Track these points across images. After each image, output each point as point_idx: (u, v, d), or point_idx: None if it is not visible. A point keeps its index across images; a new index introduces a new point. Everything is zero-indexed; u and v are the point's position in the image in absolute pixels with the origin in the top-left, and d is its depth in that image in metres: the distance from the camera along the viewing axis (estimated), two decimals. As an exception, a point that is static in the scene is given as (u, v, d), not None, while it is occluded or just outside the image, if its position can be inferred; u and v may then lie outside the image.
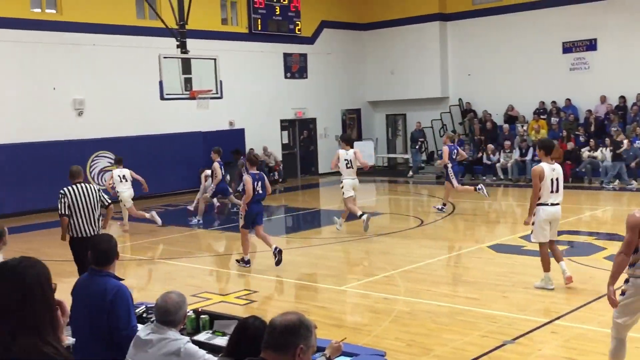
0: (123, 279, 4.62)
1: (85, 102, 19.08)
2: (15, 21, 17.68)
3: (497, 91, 24.11)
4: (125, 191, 15.00)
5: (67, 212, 8.41)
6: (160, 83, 15.20)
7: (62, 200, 8.36)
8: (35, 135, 18.01)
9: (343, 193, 13.61)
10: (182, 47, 15.70)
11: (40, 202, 17.95)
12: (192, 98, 15.80)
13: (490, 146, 21.74)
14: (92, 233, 8.38)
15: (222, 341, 4.73)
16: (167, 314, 4.09)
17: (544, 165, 8.63)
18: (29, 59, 18.03)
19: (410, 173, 23.73)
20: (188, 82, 15.58)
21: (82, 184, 8.50)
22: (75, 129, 18.82)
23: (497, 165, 21.42)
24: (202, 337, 4.95)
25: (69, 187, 8.46)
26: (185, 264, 11.82)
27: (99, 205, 8.51)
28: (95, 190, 8.50)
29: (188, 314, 4.91)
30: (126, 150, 19.54)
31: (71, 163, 17.92)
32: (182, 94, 15.67)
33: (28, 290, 2.70)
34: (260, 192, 10.64)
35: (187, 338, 4.12)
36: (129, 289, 4.58)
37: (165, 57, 15.26)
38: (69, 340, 4.26)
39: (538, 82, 23.18)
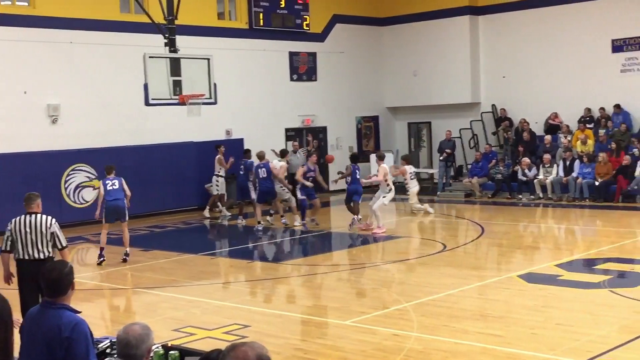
0: (80, 312, 4.69)
1: (61, 108, 19.30)
2: (-19, 16, 17.99)
3: (536, 96, 24.12)
4: None
5: (8, 248, 8.55)
6: (146, 86, 15.44)
7: (6, 233, 8.53)
8: (3, 146, 18.22)
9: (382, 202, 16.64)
10: (171, 45, 15.93)
11: (5, 222, 18.09)
12: (182, 103, 16.02)
13: (526, 160, 21.74)
14: (41, 257, 8.42)
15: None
16: (128, 347, 4.15)
17: None
18: (-4, 59, 18.31)
19: (438, 192, 23.67)
20: (177, 85, 15.81)
21: (35, 216, 8.52)
22: (49, 139, 19.04)
23: (535, 181, 21.40)
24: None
25: (17, 219, 8.55)
26: (170, 293, 11.90)
27: (50, 245, 8.50)
28: (47, 224, 8.47)
29: (156, 349, 4.98)
30: (107, 163, 19.74)
31: (44, 177, 18.52)
32: (171, 99, 15.89)
33: None
34: None
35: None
36: (87, 323, 4.65)
37: (151, 57, 15.51)
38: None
39: (584, 85, 23.17)
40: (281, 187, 18.19)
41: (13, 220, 8.60)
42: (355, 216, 17.48)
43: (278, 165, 18.36)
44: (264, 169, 17.77)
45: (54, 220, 8.53)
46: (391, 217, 20.84)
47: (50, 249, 8.50)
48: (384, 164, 17.06)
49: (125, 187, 14.37)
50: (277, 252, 16.26)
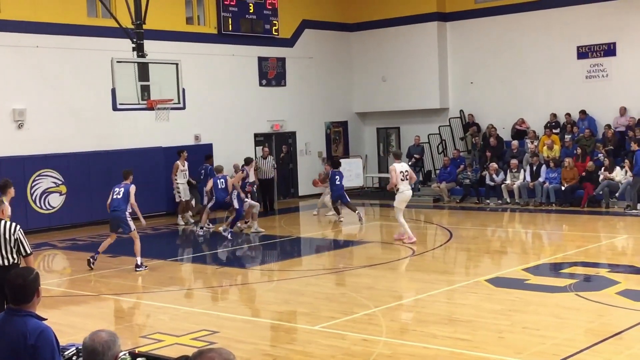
0: (46, 319, 4.65)
1: (27, 113, 19.09)
2: (-55, 19, 17.74)
3: (503, 102, 24.38)
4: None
5: None
6: (113, 91, 15.31)
7: None
8: (-32, 151, 18.00)
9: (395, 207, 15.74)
10: (139, 49, 15.82)
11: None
12: (150, 108, 15.91)
13: (494, 165, 21.95)
14: (5, 264, 8.29)
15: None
16: (95, 354, 4.12)
17: None
18: (-39, 63, 18.07)
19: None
20: (145, 90, 15.70)
21: None
22: (15, 144, 18.82)
23: (502, 186, 21.61)
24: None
25: None
26: (138, 300, 11.82)
27: (14, 251, 8.34)
28: (11, 230, 8.31)
29: (123, 356, 4.95)
30: (74, 168, 19.62)
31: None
32: (139, 104, 15.77)
33: None
34: None
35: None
36: (53, 331, 4.61)
37: (119, 62, 15.39)
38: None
39: (550, 91, 23.48)
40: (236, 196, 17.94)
41: None
42: (356, 212, 18.94)
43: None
44: (222, 180, 17.66)
45: (18, 226, 8.41)
46: (357, 222, 20.91)
47: (14, 256, 8.38)
48: (397, 164, 15.70)
49: (132, 196, 13.86)
50: (247, 257, 16.23)
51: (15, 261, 8.40)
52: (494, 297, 10.76)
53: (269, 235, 17.97)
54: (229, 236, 17.30)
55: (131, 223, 13.94)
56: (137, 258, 13.93)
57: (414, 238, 15.65)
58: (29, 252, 8.46)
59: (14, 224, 8.38)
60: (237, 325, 10.10)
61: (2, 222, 8.40)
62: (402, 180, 15.44)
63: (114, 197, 13.93)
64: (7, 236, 8.30)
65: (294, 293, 11.84)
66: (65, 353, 5.23)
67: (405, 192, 15.64)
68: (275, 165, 22.79)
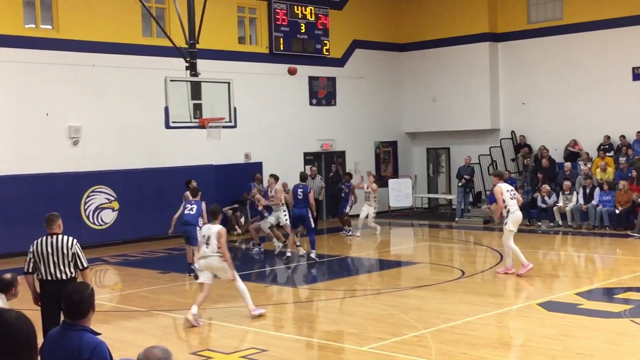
0: (100, 333, 4.71)
1: (82, 130, 19.47)
2: (5, 38, 18.23)
3: (556, 123, 24.08)
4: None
5: (30, 270, 8.60)
6: (166, 109, 15.51)
7: (28, 255, 8.57)
8: (23, 167, 18.41)
9: (506, 230, 14.41)
10: (192, 68, 16.04)
11: (26, 243, 18.20)
12: (202, 126, 16.07)
13: (546, 187, 21.65)
14: (63, 277, 8.45)
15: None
16: (148, 371, 4.15)
17: None
18: (19, 81, 18.54)
19: (456, 218, 23.60)
20: (197, 108, 15.88)
21: (57, 237, 8.55)
22: (70, 160, 19.20)
23: (555, 208, 21.28)
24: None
25: (39, 240, 8.57)
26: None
27: (72, 265, 8.52)
28: (69, 245, 8.49)
29: (175, 374, 4.97)
30: (126, 185, 19.91)
31: (63, 198, 18.65)
32: (191, 122, 15.95)
33: (17, 349, 2.91)
34: None
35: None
36: (107, 345, 4.66)
37: (172, 80, 15.59)
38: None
39: (604, 113, 23.12)
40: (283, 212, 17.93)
41: (35, 241, 8.63)
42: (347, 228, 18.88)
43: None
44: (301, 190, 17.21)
45: (75, 240, 8.57)
46: (409, 243, 20.81)
47: (72, 270, 8.53)
48: (501, 184, 14.72)
49: (204, 213, 14.55)
50: (295, 276, 16.23)
51: (73, 275, 8.54)
52: (546, 322, 10.57)
53: (317, 254, 17.93)
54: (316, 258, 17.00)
55: (199, 237, 14.32)
56: (195, 264, 14.24)
57: (529, 265, 14.12)
58: (85, 266, 8.61)
59: (71, 239, 8.54)
60: (285, 344, 10.09)
61: (60, 236, 8.57)
62: (510, 199, 14.35)
63: (186, 212, 14.75)
64: (65, 250, 8.44)
65: (342, 313, 11.80)
66: (118, 368, 5.27)
67: (516, 212, 14.34)
68: (324, 185, 22.73)
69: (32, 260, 8.59)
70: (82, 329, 4.63)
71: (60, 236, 8.54)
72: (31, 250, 8.61)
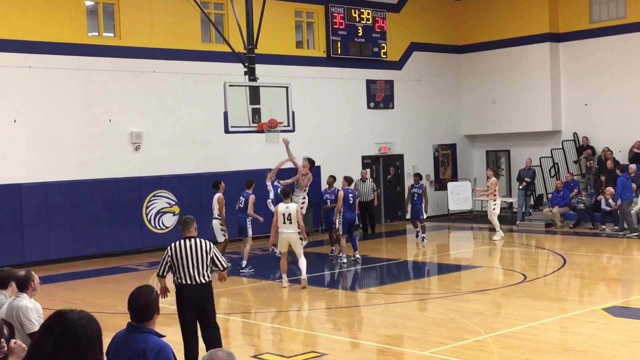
0: (164, 336, 4.78)
1: (143, 136, 19.80)
2: (70, 46, 18.64)
3: (620, 124, 23.54)
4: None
5: (164, 274, 8.67)
6: (225, 114, 15.70)
7: (164, 259, 8.60)
8: (87, 172, 18.77)
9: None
10: (251, 73, 16.20)
11: (92, 246, 18.66)
12: (261, 131, 16.21)
13: (610, 189, 21.18)
14: (202, 281, 8.50)
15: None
16: (212, 374, 4.20)
17: None
18: (83, 88, 18.94)
19: (517, 222, 23.25)
20: (256, 112, 16.04)
21: (195, 240, 8.59)
22: (131, 165, 19.53)
23: (619, 211, 20.80)
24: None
25: (176, 243, 8.59)
26: (246, 320, 11.98)
27: (209, 269, 8.59)
28: (206, 249, 8.53)
29: (237, 377, 5.01)
30: (187, 189, 20.15)
31: (126, 203, 18.99)
32: (250, 126, 16.11)
33: (82, 350, 2.96)
34: None
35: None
36: (171, 348, 4.73)
37: (231, 85, 15.77)
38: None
39: (670, 113, 22.53)
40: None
41: (172, 245, 8.64)
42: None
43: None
44: (351, 195, 17.29)
45: (211, 243, 8.63)
46: (469, 246, 20.62)
47: (209, 274, 8.56)
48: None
49: (250, 204, 16.30)
50: (355, 280, 16.21)
51: (210, 279, 8.57)
52: (611, 327, 10.35)
53: (376, 258, 17.90)
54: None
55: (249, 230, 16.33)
56: (244, 261, 15.93)
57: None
58: (225, 266, 8.73)
59: (208, 242, 8.59)
60: (345, 347, 10.09)
61: (198, 240, 8.59)
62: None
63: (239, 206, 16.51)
64: (204, 254, 8.49)
65: (402, 317, 11.73)
66: (182, 370, 5.34)
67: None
68: (376, 187, 22.33)
69: (168, 264, 8.57)
70: (147, 332, 4.71)
71: (197, 239, 8.59)
72: (169, 254, 8.57)
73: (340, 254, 17.16)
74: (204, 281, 8.50)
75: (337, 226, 17.11)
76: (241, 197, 16.70)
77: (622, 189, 20.29)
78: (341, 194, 17.10)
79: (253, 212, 16.47)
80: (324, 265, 17.53)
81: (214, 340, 8.64)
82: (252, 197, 16.41)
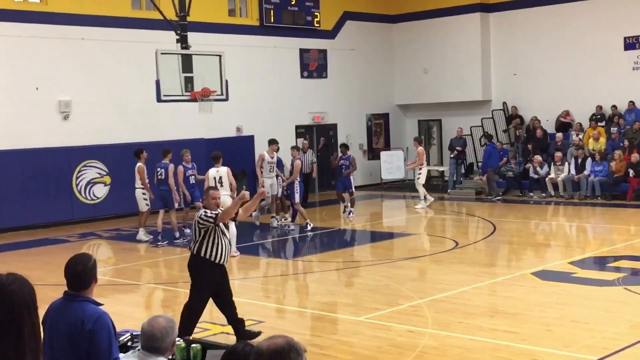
0: (102, 304, 4.73)
1: (72, 105, 19.37)
2: (-6, 12, 18.05)
3: (548, 94, 24.09)
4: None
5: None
6: (157, 82, 15.45)
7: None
8: (14, 142, 18.29)
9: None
10: (183, 41, 15.95)
11: (20, 217, 18.24)
12: (194, 100, 16.03)
13: (538, 158, 21.72)
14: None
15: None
16: (153, 340, 4.19)
17: None
18: (8, 55, 18.38)
19: (448, 190, 23.62)
20: (189, 81, 15.83)
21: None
22: (60, 135, 19.11)
23: (547, 179, 21.38)
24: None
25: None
26: (183, 289, 11.93)
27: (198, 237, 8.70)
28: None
29: (178, 342, 5.01)
30: (118, 159, 19.83)
31: (54, 173, 18.58)
32: (182, 95, 15.90)
33: (17, 313, 2.89)
34: None
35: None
36: (109, 316, 4.68)
37: (163, 53, 15.51)
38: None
39: (595, 83, 23.13)
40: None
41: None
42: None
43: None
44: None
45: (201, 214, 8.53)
46: (401, 215, 20.91)
47: (197, 245, 8.65)
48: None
49: (170, 175, 16.03)
50: (289, 248, 16.29)
51: (197, 252, 8.64)
52: (540, 290, 10.67)
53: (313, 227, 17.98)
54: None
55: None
56: (176, 232, 16.04)
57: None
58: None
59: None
60: (280, 315, 10.16)
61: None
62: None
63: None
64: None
65: (338, 284, 11.87)
66: (120, 339, 5.31)
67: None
68: (315, 160, 22.07)
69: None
70: (84, 300, 4.65)
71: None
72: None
73: (288, 221, 17.83)
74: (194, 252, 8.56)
75: (295, 196, 17.40)
76: (159, 168, 16.09)
77: (488, 157, 21.95)
78: (298, 163, 17.47)
79: (174, 183, 15.89)
80: (260, 234, 17.55)
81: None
82: (171, 167, 15.97)
